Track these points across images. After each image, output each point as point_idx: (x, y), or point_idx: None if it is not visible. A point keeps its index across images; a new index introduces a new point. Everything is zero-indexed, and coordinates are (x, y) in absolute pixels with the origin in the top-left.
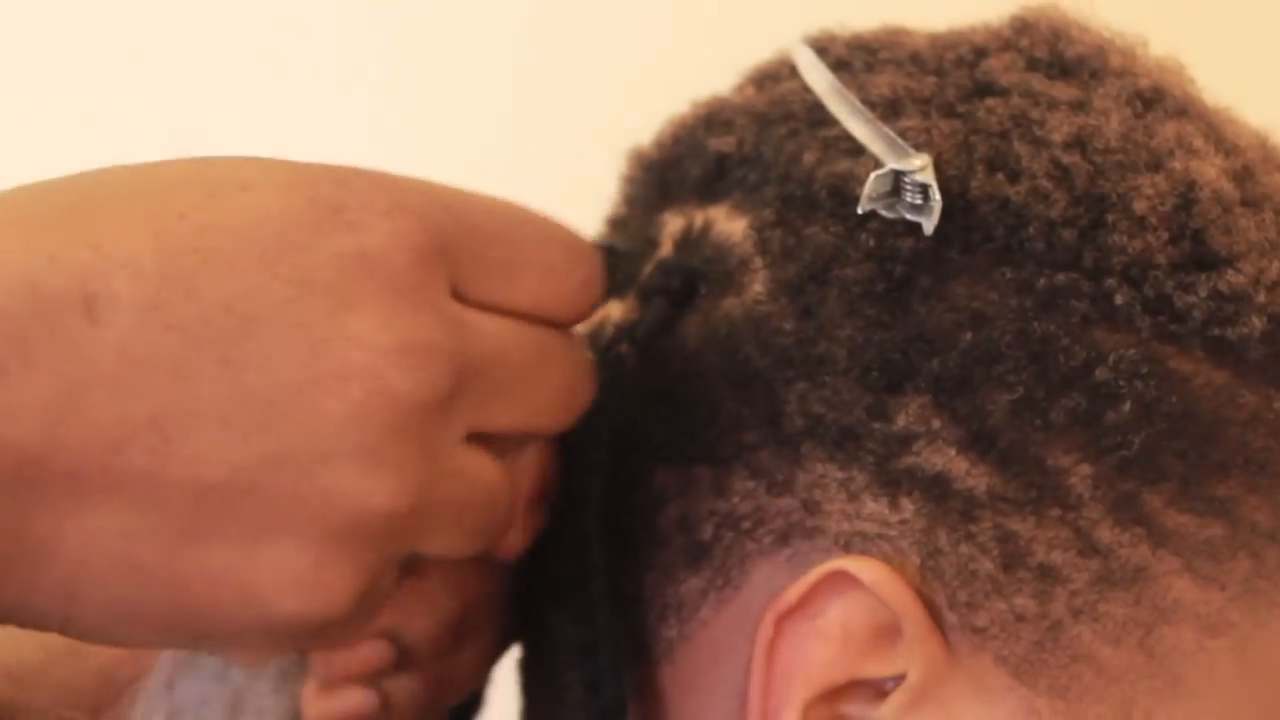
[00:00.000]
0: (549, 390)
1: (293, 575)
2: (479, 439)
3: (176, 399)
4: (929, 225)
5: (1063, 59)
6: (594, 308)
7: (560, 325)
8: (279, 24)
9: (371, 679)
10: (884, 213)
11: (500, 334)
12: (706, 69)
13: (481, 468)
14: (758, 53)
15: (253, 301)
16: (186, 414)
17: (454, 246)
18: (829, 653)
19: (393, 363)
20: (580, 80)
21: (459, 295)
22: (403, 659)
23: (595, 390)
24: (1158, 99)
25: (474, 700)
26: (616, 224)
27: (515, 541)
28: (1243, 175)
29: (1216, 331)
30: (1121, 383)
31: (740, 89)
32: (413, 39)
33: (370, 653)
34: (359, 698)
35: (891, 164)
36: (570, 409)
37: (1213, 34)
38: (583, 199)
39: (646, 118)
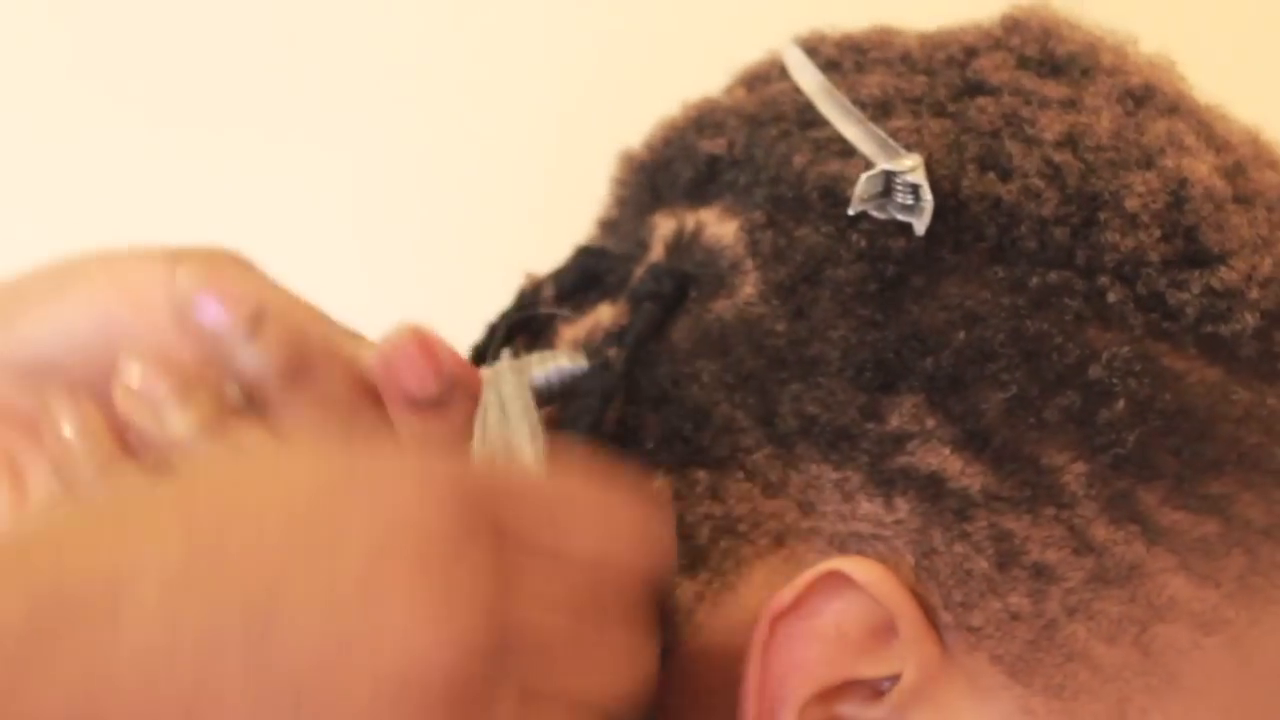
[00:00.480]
0: (603, 669)
1: None
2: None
3: (202, 697)
4: (920, 225)
5: (1053, 57)
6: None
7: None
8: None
9: None
10: (875, 213)
11: (544, 614)
12: (701, 70)
13: None
14: (750, 53)
15: (278, 596)
16: (213, 706)
17: (497, 506)
18: (824, 653)
19: (424, 651)
20: (577, 82)
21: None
22: None
23: (654, 663)
24: (1149, 97)
25: None
26: (608, 226)
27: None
28: (1234, 172)
29: (1209, 328)
30: (1115, 381)
31: (730, 90)
32: (419, 40)
33: None
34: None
35: (883, 164)
36: (627, 682)
37: (1204, 32)
38: (579, 201)
39: (642, 119)
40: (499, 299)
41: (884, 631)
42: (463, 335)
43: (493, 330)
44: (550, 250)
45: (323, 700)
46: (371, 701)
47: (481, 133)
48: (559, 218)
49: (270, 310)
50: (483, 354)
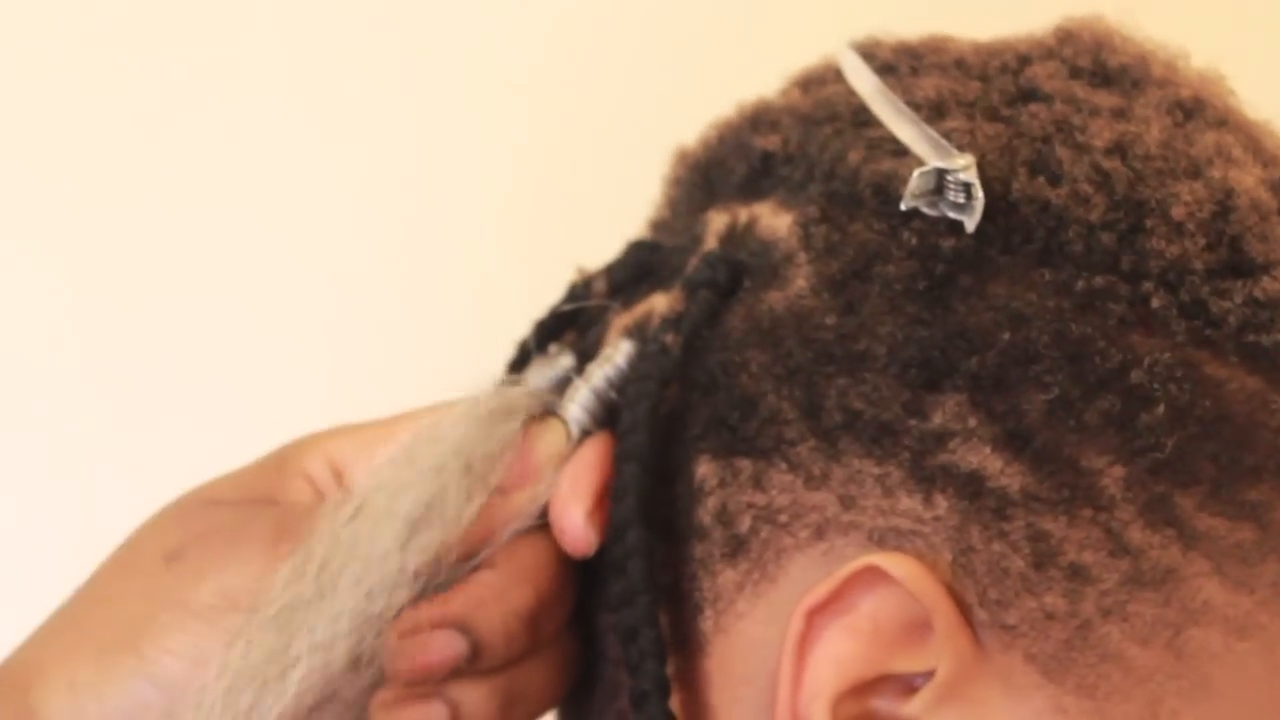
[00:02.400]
0: None
1: None
2: None
3: None
4: (971, 224)
5: (1105, 68)
6: None
7: None
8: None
9: (442, 681)
10: (927, 210)
11: None
12: (745, 77)
13: None
14: (795, 61)
15: None
16: None
17: None
18: (859, 647)
19: None
20: (610, 88)
21: None
22: (474, 656)
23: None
24: (1198, 109)
25: None
26: (659, 226)
27: (586, 537)
28: None
29: (1251, 338)
30: (1156, 386)
31: (785, 92)
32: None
33: (442, 644)
34: (427, 710)
35: (935, 162)
36: None
37: (1244, 46)
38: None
39: (685, 125)
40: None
41: (919, 627)
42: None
43: (541, 325)
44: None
45: None
46: None
47: (491, 136)
48: (606, 219)
49: None
50: (535, 347)
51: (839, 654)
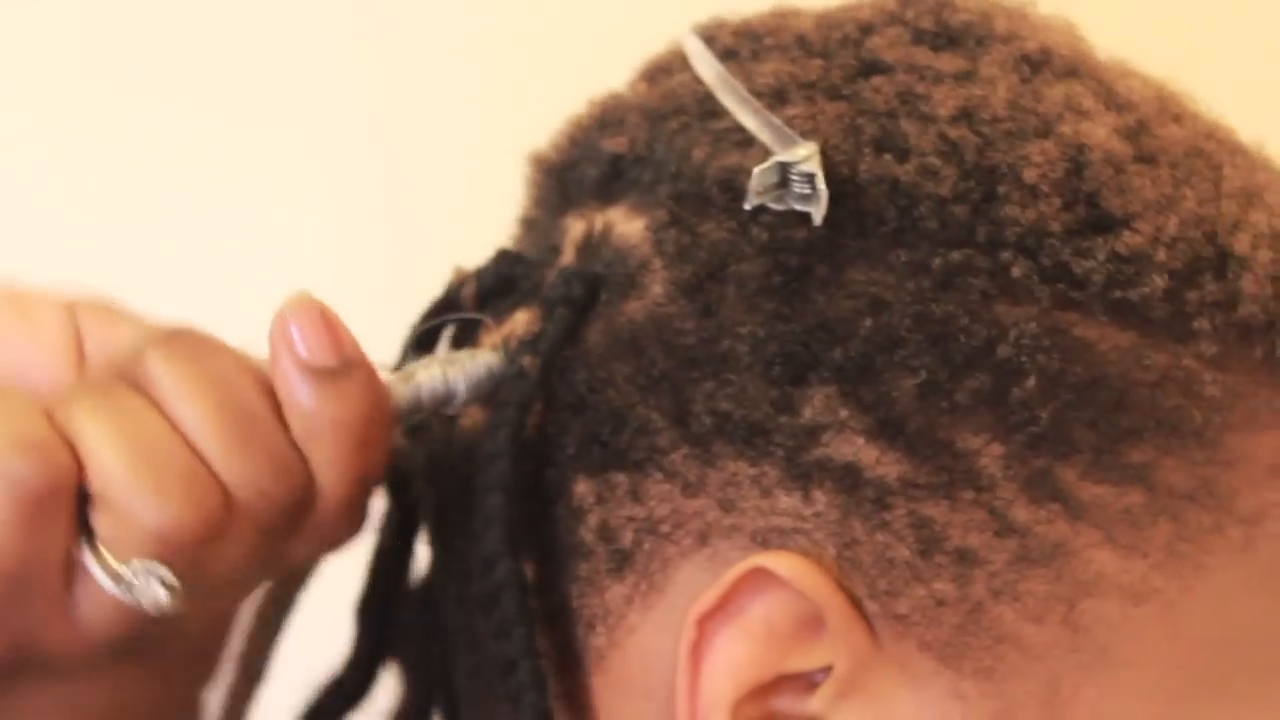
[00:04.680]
0: None
1: None
2: None
3: None
4: (818, 215)
5: (948, 28)
6: None
7: None
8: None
9: None
10: (774, 205)
11: None
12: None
13: None
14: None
15: None
16: None
17: None
18: (754, 650)
19: None
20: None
21: None
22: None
23: None
24: (1045, 61)
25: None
26: (528, 224)
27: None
28: (1136, 131)
29: (1118, 294)
30: (1024, 358)
31: (634, 84)
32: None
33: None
34: None
35: (776, 155)
36: None
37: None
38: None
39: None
40: None
41: (812, 624)
42: None
43: (415, 329)
44: None
45: None
46: None
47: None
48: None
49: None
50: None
51: (733, 659)
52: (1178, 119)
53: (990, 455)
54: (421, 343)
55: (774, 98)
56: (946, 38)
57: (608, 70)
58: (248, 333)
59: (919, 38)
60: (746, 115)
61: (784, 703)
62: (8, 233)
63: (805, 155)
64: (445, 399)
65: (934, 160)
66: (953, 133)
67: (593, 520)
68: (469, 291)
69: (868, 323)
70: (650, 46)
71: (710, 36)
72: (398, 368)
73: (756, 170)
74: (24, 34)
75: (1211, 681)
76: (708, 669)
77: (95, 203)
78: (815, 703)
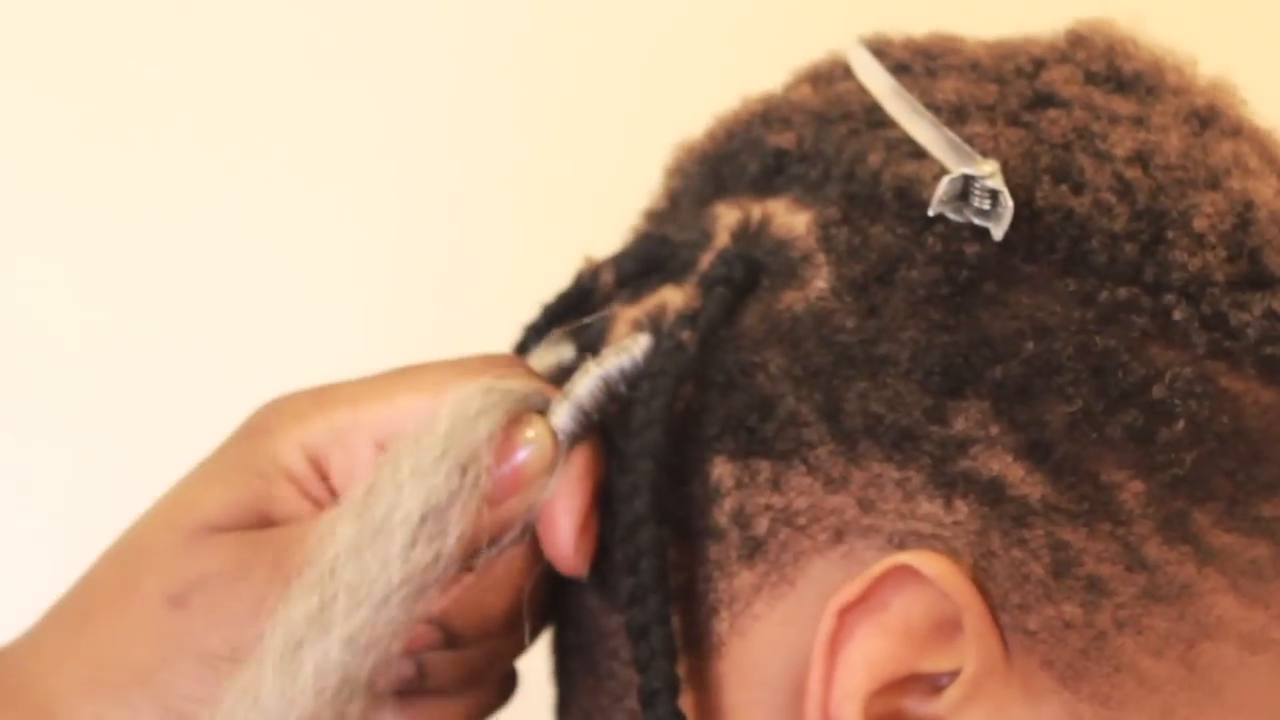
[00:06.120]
0: None
1: None
2: None
3: None
4: (998, 231)
5: (1120, 74)
6: None
7: None
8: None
9: (414, 653)
10: (953, 216)
11: None
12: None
13: None
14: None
15: None
16: None
17: None
18: (891, 646)
19: None
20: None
21: None
22: (449, 640)
23: None
24: (1213, 118)
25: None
26: (658, 217)
27: (576, 564)
28: None
29: (1269, 350)
30: (1177, 401)
31: (794, 87)
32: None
33: (416, 635)
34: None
35: (962, 169)
36: None
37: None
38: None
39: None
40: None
41: (947, 626)
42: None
43: (547, 310)
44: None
45: None
46: None
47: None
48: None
49: None
50: (538, 333)
51: (871, 653)
52: None
53: (1131, 491)
54: (540, 332)
55: (954, 114)
56: (1118, 82)
57: (614, 73)
58: (258, 333)
59: (1091, 78)
60: (921, 128)
61: (910, 702)
62: (20, 235)
63: (990, 171)
64: (609, 400)
65: (1109, 197)
66: (1128, 173)
67: (729, 504)
68: (607, 277)
69: (1030, 345)
70: (651, 51)
71: (879, 50)
72: (519, 353)
73: (944, 180)
74: (32, 33)
75: None
76: (844, 660)
77: (105, 205)
78: (941, 704)
